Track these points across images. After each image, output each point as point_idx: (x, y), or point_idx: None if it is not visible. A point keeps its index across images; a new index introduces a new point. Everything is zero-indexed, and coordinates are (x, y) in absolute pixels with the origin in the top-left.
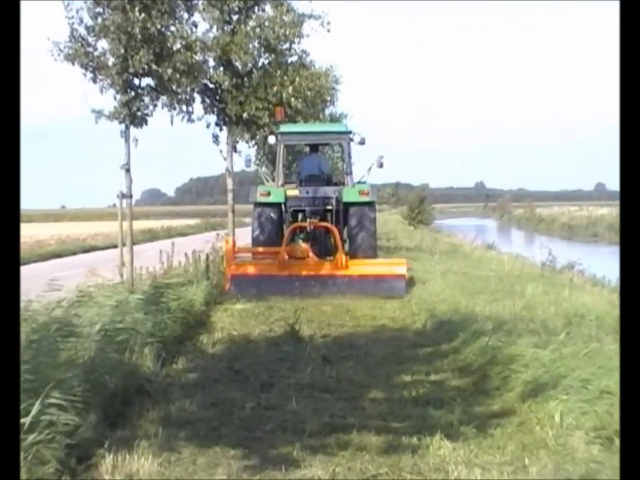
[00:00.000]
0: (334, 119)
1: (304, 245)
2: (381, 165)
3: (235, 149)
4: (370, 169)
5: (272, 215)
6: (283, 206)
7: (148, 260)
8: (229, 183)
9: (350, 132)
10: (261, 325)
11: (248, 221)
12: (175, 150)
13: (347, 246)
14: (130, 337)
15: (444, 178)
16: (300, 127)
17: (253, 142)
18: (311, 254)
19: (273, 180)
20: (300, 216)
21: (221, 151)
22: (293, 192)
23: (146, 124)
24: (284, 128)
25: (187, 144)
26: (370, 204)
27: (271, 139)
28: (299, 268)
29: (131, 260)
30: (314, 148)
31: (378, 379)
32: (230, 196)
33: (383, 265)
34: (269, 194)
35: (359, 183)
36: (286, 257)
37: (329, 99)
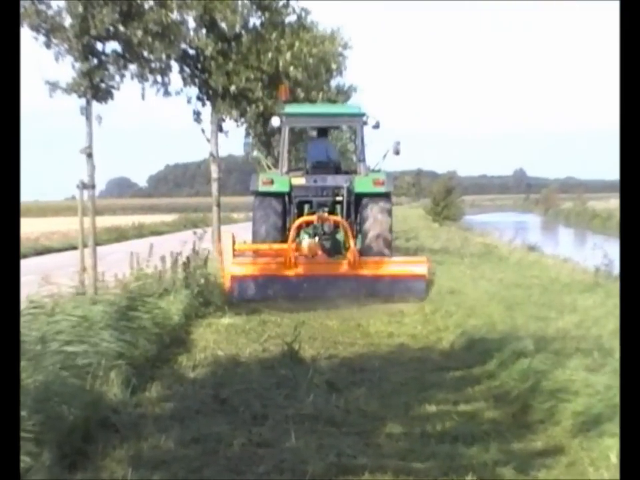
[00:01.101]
0: (341, 93)
1: (313, 242)
2: (397, 152)
3: (220, 129)
4: (385, 155)
5: (275, 206)
6: (287, 196)
7: (115, 264)
8: (214, 171)
9: (364, 114)
10: (252, 343)
11: (237, 216)
12: (148, 130)
13: (357, 242)
14: (93, 359)
15: (476, 164)
16: (308, 108)
17: (243, 120)
18: (320, 252)
19: (271, 166)
20: (306, 208)
21: (203, 131)
22: (299, 181)
23: (111, 98)
24: (289, 109)
25: (162, 123)
26: (385, 195)
27: (275, 121)
28: (308, 267)
29: (94, 264)
30: (322, 132)
31: (395, 410)
32: (214, 186)
33: (400, 264)
34: (272, 182)
35: (373, 171)
36: (293, 254)
37: (335, 67)
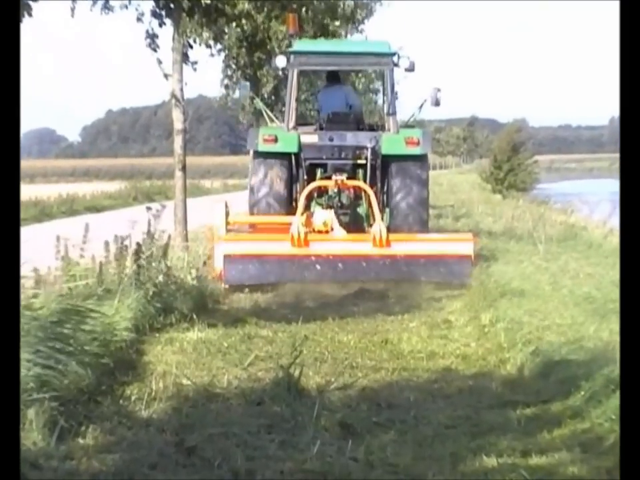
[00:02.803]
0: (360, 6)
1: (327, 213)
2: (437, 102)
3: (186, 59)
4: (421, 106)
5: (279, 170)
6: (294, 158)
7: (34, 254)
8: (177, 119)
9: (394, 53)
10: (233, 367)
11: (210, 185)
12: (81, 61)
13: (385, 218)
14: None
15: (555, 110)
16: (323, 45)
17: (219, 45)
18: (336, 226)
19: (273, 118)
20: (319, 172)
21: (160, 62)
22: (310, 138)
23: (29, 14)
24: (299, 45)
25: (101, 51)
26: (420, 158)
27: (280, 61)
28: (321, 246)
29: None
30: (340, 76)
31: (439, 464)
32: (178, 141)
33: (438, 242)
34: (275, 140)
35: (406, 127)
36: (301, 229)
37: None
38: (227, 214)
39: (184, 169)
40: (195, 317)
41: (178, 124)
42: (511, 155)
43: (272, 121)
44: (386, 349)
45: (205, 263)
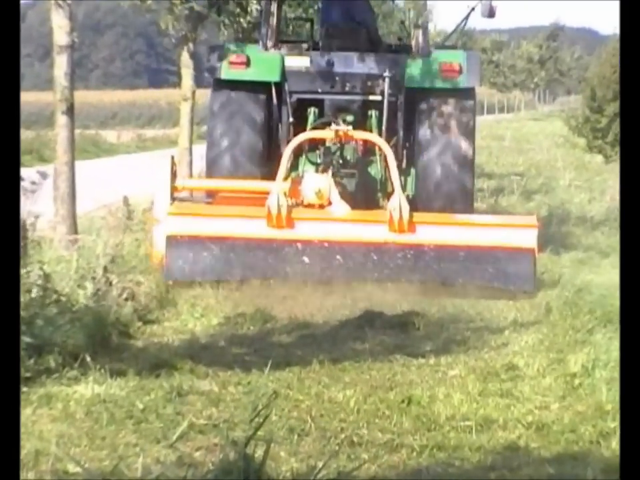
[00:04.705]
0: None
1: (322, 178)
2: (490, 13)
3: None
4: (467, 17)
5: (252, 108)
6: (275, 90)
7: None
8: (59, 27)
9: None
10: (152, 444)
11: (117, 139)
12: None
13: (409, 185)
14: None
15: None
16: None
17: None
18: (335, 197)
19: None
20: (312, 113)
21: None
22: (300, 61)
23: None
24: None
25: None
26: (463, 94)
27: None
28: (312, 227)
29: None
30: None
31: None
32: (62, 66)
33: (486, 227)
34: (247, 63)
35: (443, 47)
36: (284, 201)
37: None
38: (174, 175)
39: (70, 111)
40: (88, 359)
41: (61, 35)
42: (619, 90)
43: (228, 26)
44: (409, 414)
45: (105, 269)
